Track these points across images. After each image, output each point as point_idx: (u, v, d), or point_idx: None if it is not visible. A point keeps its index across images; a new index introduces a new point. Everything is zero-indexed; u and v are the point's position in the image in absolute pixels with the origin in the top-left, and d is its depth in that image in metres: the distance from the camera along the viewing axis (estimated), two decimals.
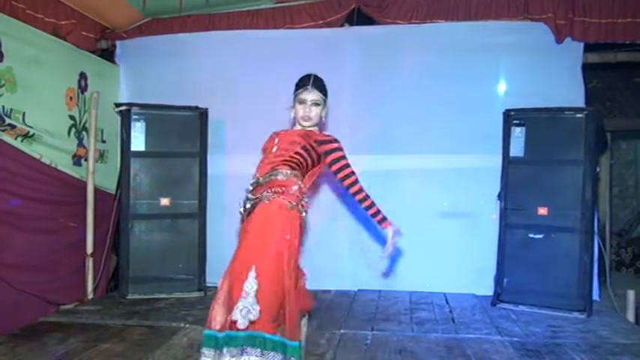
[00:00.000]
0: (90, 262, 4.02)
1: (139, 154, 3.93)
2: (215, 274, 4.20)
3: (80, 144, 4.08)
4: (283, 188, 2.36)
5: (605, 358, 2.70)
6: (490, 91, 4.16)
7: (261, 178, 2.42)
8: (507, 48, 4.10)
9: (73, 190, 3.99)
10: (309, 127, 2.53)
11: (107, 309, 3.56)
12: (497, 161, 3.80)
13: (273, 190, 2.37)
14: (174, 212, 3.99)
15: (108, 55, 4.55)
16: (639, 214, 6.63)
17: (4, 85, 3.31)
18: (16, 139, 3.45)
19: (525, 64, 4.07)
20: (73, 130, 4.03)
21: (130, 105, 3.97)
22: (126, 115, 3.90)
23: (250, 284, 2.19)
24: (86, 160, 4.10)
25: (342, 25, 4.34)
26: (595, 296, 3.77)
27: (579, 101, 3.91)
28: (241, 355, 2.20)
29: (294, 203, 2.36)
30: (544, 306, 3.56)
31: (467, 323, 3.33)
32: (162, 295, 3.87)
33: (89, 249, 4.02)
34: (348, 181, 2.48)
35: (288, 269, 2.26)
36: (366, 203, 2.47)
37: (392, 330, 3.17)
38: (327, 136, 2.61)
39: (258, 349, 2.20)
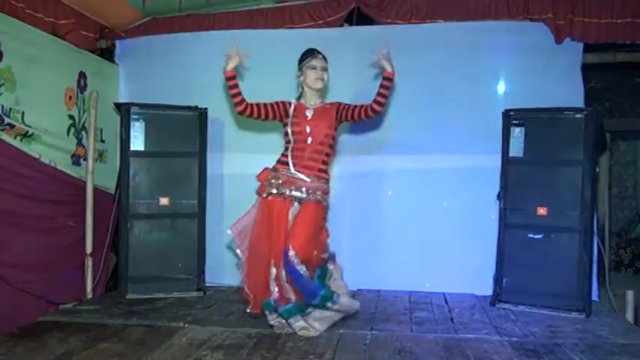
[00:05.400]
0: (89, 262, 4.02)
1: (138, 153, 3.92)
2: (214, 273, 4.22)
3: (79, 143, 4.08)
4: (321, 192, 3.10)
5: (603, 359, 2.70)
6: (489, 91, 4.15)
7: (303, 177, 3.06)
8: (507, 48, 4.09)
9: (72, 189, 3.99)
10: (319, 89, 3.17)
11: (106, 308, 3.56)
12: (497, 161, 3.79)
13: (314, 192, 3.07)
14: (174, 212, 3.98)
15: (107, 54, 4.54)
16: (638, 215, 6.64)
17: (3, 84, 3.31)
18: (15, 138, 3.45)
19: (525, 65, 4.06)
20: (72, 129, 4.02)
21: (130, 104, 3.96)
22: (125, 115, 3.90)
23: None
24: (85, 159, 4.10)
25: (341, 25, 4.34)
26: (594, 296, 3.77)
27: (579, 101, 3.91)
28: None
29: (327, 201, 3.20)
30: (543, 306, 3.55)
31: (466, 323, 3.32)
32: (162, 295, 3.86)
33: (88, 248, 4.02)
34: (364, 107, 3.09)
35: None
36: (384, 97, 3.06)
37: (391, 330, 3.17)
38: (333, 104, 3.22)
39: None
